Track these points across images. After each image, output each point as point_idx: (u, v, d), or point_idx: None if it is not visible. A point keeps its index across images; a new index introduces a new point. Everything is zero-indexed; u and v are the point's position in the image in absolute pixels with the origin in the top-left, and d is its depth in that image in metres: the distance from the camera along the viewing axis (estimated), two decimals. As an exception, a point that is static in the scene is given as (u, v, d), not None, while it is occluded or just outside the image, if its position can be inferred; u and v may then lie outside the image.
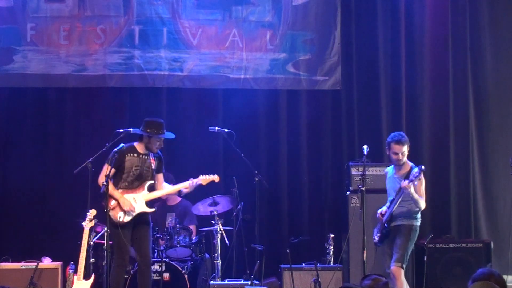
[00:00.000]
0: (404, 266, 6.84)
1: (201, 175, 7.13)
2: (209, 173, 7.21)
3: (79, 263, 6.85)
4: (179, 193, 7.39)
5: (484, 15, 9.03)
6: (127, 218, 6.72)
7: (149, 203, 6.88)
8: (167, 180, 7.55)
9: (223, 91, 8.88)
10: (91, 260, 7.24)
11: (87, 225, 6.94)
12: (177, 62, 8.79)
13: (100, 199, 6.84)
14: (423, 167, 6.84)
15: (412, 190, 6.78)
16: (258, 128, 8.91)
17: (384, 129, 8.76)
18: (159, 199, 7.64)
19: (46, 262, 7.56)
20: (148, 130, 6.81)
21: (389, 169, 7.21)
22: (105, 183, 6.43)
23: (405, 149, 6.97)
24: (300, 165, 8.90)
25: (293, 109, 8.97)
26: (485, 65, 9.03)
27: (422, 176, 6.88)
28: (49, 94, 8.73)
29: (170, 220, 7.87)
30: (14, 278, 7.37)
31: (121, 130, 7.01)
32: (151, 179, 6.86)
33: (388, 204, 7.06)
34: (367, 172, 7.64)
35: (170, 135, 7.08)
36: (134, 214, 6.74)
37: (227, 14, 8.86)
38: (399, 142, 6.95)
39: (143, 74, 8.73)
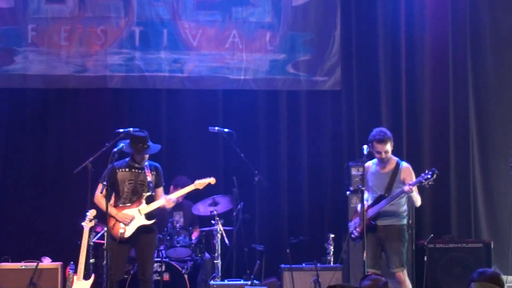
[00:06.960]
0: (405, 266, 6.71)
1: (196, 180, 6.99)
2: (209, 174, 7.15)
3: (79, 263, 6.83)
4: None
5: (484, 15, 9.03)
6: (128, 233, 6.61)
7: (149, 215, 6.70)
8: (183, 183, 7.49)
9: (223, 92, 8.88)
10: (91, 260, 7.22)
11: (87, 225, 6.91)
12: (177, 63, 8.80)
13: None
14: (436, 171, 6.41)
15: (415, 193, 6.51)
16: (258, 129, 8.91)
17: (384, 129, 8.75)
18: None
19: (46, 262, 7.55)
20: (131, 145, 6.65)
21: (371, 164, 6.76)
22: (104, 183, 6.43)
23: (388, 147, 6.60)
24: (300, 165, 8.90)
25: (293, 110, 8.97)
26: (485, 65, 9.03)
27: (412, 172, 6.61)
28: (49, 94, 8.75)
29: (178, 218, 7.86)
30: (14, 278, 7.37)
31: (121, 130, 7.00)
32: (147, 192, 6.71)
33: (370, 200, 6.69)
34: (367, 172, 7.60)
35: (153, 149, 6.78)
36: (134, 226, 6.62)
37: (227, 15, 8.87)
38: (382, 141, 6.54)
39: (144, 76, 8.74)
